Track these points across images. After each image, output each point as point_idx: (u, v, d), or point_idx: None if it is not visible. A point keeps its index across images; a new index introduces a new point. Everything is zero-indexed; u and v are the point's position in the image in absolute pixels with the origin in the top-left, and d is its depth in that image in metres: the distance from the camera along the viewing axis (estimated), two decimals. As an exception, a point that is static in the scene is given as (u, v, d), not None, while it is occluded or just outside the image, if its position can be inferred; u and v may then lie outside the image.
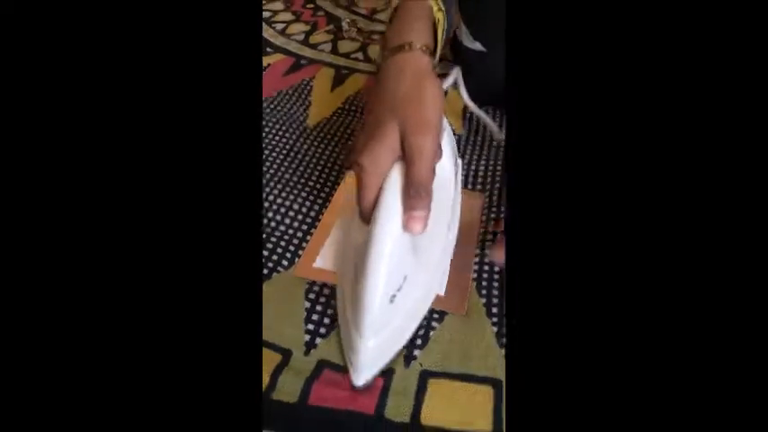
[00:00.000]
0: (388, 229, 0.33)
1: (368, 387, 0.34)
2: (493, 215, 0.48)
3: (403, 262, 0.35)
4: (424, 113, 0.35)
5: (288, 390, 0.33)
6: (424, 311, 0.39)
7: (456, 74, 0.56)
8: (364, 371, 0.34)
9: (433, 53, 0.41)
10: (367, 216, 0.35)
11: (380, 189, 0.34)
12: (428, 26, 0.42)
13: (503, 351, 0.36)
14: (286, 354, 0.36)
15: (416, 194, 0.33)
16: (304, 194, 0.50)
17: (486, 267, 0.43)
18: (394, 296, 0.35)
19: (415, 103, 0.35)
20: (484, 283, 0.42)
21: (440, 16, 0.43)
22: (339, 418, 0.32)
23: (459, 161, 0.46)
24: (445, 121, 0.42)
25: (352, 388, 0.34)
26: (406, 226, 0.33)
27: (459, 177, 0.44)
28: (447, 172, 0.41)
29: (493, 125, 0.57)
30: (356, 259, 0.37)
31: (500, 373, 0.35)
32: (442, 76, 0.52)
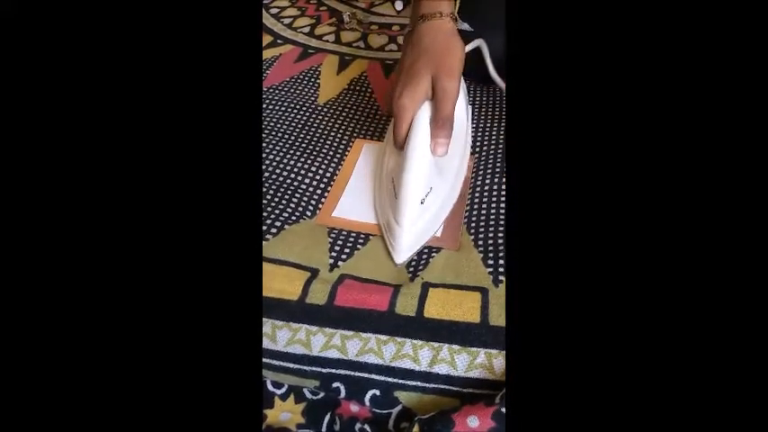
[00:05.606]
0: (419, 151, 0.46)
1: (380, 292, 0.43)
2: (480, 173, 0.57)
3: (430, 176, 0.48)
4: (451, 63, 0.46)
5: (317, 295, 0.42)
6: (444, 215, 0.50)
7: (478, 43, 0.64)
8: (403, 252, 0.46)
9: (455, 19, 0.52)
10: (400, 144, 0.46)
11: (412, 122, 0.45)
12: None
13: (488, 270, 0.45)
14: (314, 271, 0.45)
15: (442, 126, 0.45)
16: (320, 158, 0.59)
17: (475, 212, 0.52)
18: (423, 200, 0.47)
19: (445, 56, 0.46)
20: (472, 224, 0.51)
21: None
22: (359, 314, 0.41)
23: (470, 108, 0.60)
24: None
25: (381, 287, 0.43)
26: (433, 150, 0.46)
27: (470, 120, 0.59)
28: (462, 114, 0.55)
29: (498, 79, 0.65)
30: (393, 175, 0.49)
31: (486, 283, 0.44)
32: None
